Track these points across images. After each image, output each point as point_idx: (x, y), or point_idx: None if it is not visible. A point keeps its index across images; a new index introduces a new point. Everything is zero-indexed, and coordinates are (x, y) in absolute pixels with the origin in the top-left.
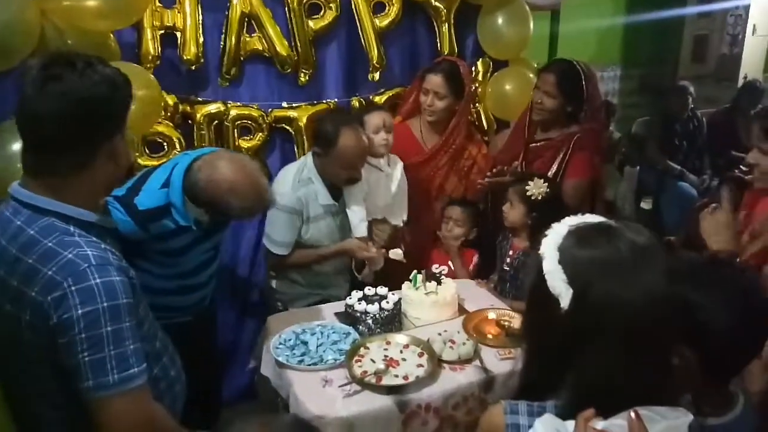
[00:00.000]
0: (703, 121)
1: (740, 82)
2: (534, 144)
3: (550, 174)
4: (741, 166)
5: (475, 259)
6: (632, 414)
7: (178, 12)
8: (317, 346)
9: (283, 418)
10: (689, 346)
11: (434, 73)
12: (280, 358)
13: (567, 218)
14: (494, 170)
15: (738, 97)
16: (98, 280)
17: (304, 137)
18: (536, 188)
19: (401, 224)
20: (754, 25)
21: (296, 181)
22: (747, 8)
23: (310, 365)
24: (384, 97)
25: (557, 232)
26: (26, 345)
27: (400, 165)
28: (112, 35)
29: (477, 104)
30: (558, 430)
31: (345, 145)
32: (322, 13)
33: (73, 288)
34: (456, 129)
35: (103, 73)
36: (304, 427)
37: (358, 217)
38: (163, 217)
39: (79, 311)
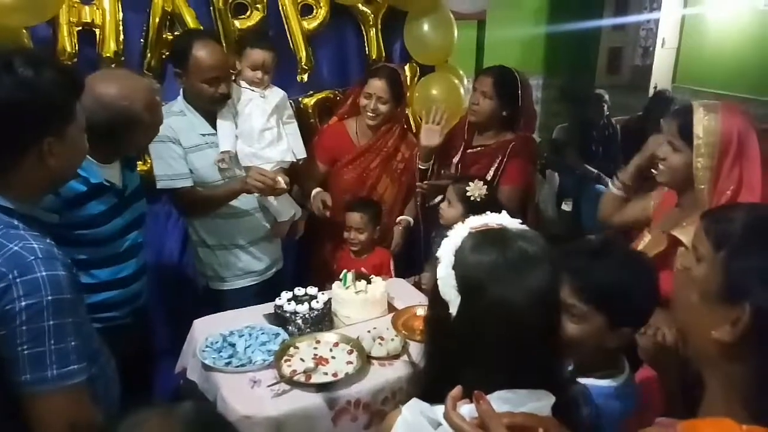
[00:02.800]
0: (617, 127)
1: (651, 91)
2: (471, 150)
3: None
4: (652, 170)
5: (391, 263)
6: (477, 399)
7: (97, 8)
8: (245, 348)
9: (183, 406)
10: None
11: (378, 77)
12: (206, 361)
13: (468, 219)
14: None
15: (649, 106)
16: (44, 273)
17: None
18: (476, 190)
19: (294, 160)
20: (664, 39)
21: (165, 113)
22: (657, 22)
23: (238, 367)
24: (313, 100)
25: (458, 235)
26: None
27: (280, 93)
28: (25, 31)
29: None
30: (423, 411)
31: (198, 55)
32: (248, 13)
33: (18, 280)
34: (389, 132)
35: (22, 76)
36: (205, 415)
37: (222, 131)
38: None
39: (23, 303)
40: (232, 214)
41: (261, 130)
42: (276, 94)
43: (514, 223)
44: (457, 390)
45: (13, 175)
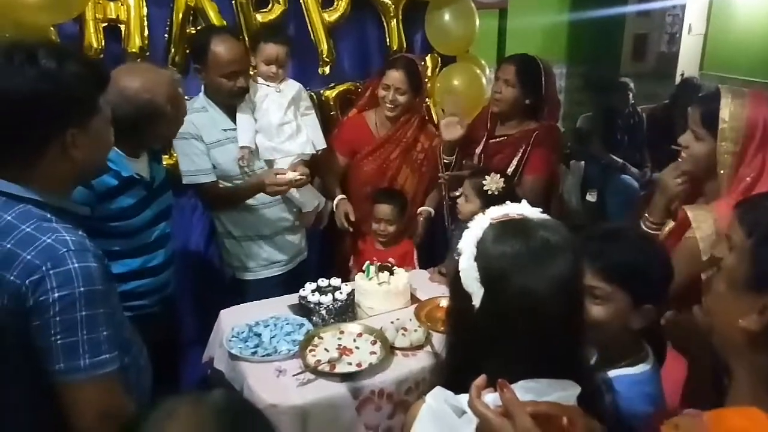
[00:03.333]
0: (642, 116)
1: (677, 79)
2: (494, 140)
3: (509, 170)
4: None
5: (415, 253)
6: (501, 387)
7: (121, 5)
8: (271, 338)
9: (213, 394)
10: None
11: (395, 68)
12: (233, 351)
13: (489, 210)
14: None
15: (676, 94)
16: (76, 265)
17: None
18: (493, 183)
19: (314, 152)
20: (690, 25)
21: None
22: (683, 8)
23: (263, 356)
24: (335, 92)
25: (479, 226)
26: (2, 329)
27: (296, 86)
28: (52, 28)
29: (426, 99)
30: (447, 399)
31: (217, 50)
32: (269, 6)
33: (51, 272)
34: (408, 123)
35: (45, 68)
36: (235, 403)
37: (240, 126)
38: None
39: (56, 294)
40: (257, 206)
41: (279, 124)
42: (291, 87)
43: (534, 213)
44: (481, 379)
45: (38, 166)
